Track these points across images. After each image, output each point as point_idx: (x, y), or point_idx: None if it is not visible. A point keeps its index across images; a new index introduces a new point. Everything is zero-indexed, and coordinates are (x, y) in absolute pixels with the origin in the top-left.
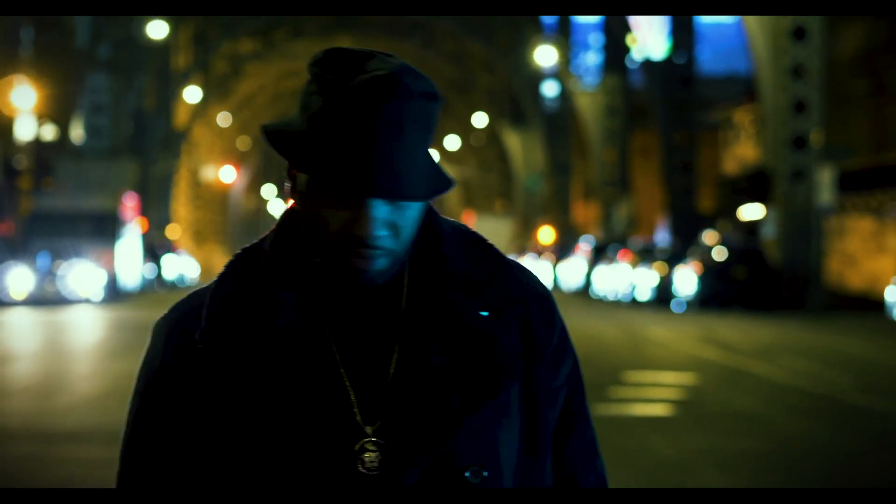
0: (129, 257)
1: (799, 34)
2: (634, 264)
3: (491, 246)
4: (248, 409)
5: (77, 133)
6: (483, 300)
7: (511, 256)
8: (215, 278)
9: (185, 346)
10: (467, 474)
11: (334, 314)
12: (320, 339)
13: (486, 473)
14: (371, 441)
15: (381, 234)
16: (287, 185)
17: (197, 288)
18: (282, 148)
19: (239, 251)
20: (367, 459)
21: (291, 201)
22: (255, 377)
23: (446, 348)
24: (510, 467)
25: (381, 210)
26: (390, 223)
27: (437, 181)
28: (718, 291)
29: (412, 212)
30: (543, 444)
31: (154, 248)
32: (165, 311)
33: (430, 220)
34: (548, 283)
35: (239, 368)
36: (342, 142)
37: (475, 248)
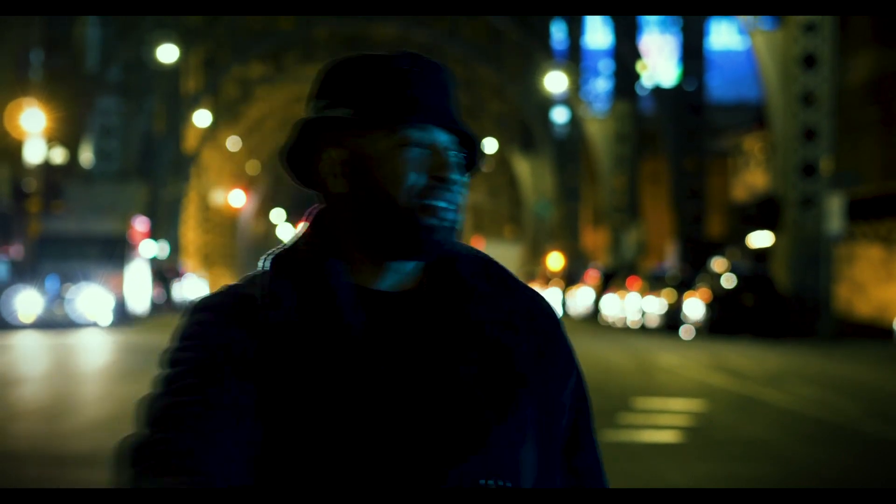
0: (138, 281)
1: (809, 62)
2: (643, 291)
3: (500, 265)
4: (297, 405)
5: (86, 156)
6: (501, 315)
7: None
8: (257, 272)
9: (243, 325)
10: (490, 482)
11: (369, 318)
12: (364, 341)
13: (509, 485)
14: (411, 446)
15: (456, 178)
16: (336, 170)
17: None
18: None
19: (273, 251)
20: (407, 464)
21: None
22: (312, 371)
23: (473, 360)
24: (529, 483)
25: (454, 157)
26: (467, 178)
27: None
28: (727, 318)
29: (459, 185)
30: (556, 459)
31: (163, 272)
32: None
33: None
34: (557, 308)
35: (298, 360)
36: (414, 88)
37: (487, 266)
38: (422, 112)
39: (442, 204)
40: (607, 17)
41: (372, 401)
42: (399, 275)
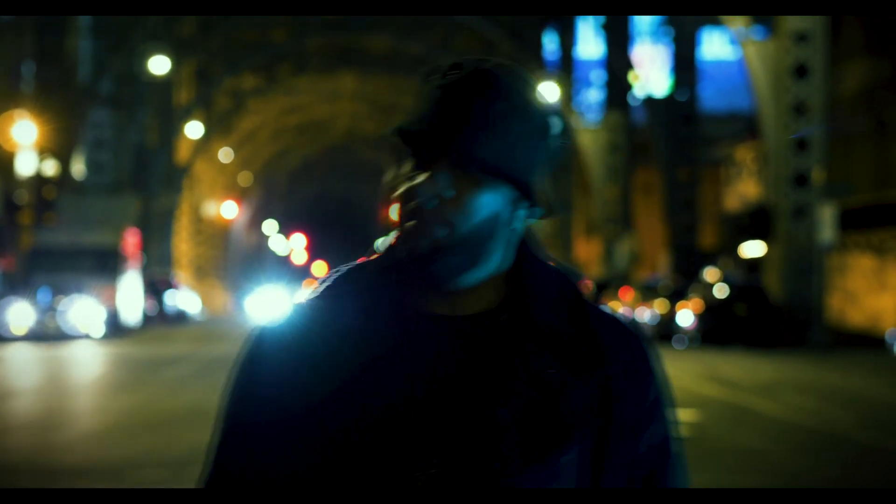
0: (130, 293)
1: (801, 72)
2: (636, 301)
3: (586, 300)
4: (317, 417)
5: (78, 168)
6: (561, 356)
7: None
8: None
9: (281, 352)
10: None
11: (418, 338)
12: (401, 360)
13: None
14: (432, 472)
15: (436, 200)
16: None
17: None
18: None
19: (353, 263)
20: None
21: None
22: (335, 385)
23: (515, 400)
24: None
25: (443, 177)
26: (450, 193)
27: (520, 174)
28: (720, 328)
29: (484, 199)
30: None
31: (156, 284)
32: (166, 344)
33: (525, 264)
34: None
35: (318, 380)
36: (434, 106)
37: (567, 298)
38: (421, 142)
39: (411, 224)
40: (599, 28)
41: (378, 426)
42: (445, 297)
